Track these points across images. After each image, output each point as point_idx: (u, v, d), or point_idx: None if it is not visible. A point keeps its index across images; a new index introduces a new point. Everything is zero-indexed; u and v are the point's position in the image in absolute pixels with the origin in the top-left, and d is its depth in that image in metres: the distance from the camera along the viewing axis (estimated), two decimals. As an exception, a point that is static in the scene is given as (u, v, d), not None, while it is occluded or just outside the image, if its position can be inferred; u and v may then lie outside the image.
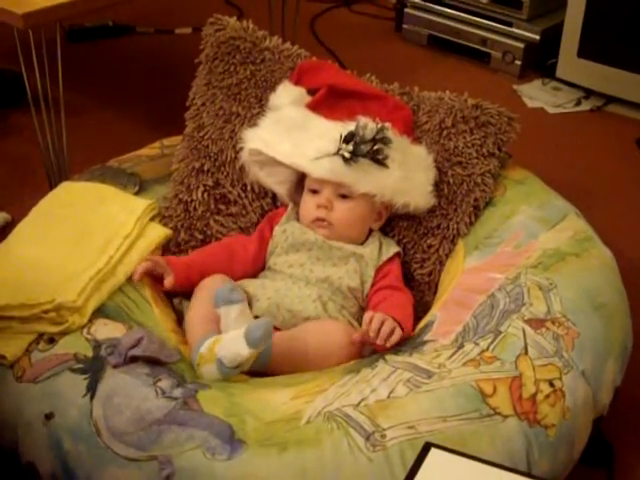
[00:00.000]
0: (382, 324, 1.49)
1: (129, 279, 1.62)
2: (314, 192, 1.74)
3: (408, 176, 1.72)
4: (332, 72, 1.91)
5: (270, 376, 1.50)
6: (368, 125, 1.69)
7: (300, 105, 1.81)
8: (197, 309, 1.58)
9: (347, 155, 1.66)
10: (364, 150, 1.67)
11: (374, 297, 1.67)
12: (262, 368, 1.49)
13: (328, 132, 1.71)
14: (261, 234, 1.77)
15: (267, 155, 1.77)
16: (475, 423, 1.33)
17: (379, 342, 1.48)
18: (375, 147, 1.67)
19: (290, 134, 1.76)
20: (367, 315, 1.52)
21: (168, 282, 1.63)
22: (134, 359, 1.40)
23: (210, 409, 1.33)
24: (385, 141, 1.68)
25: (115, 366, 1.39)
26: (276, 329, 1.57)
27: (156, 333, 1.50)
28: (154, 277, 1.65)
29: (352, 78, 1.92)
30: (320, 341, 1.52)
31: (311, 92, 1.84)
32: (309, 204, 1.74)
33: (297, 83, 1.86)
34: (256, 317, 1.58)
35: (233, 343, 1.41)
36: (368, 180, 1.69)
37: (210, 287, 1.58)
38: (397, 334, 1.49)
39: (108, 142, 2.47)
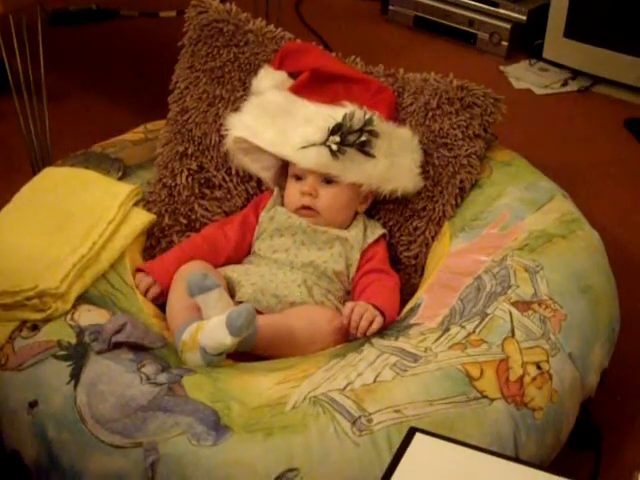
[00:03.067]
0: (361, 316, 1.48)
1: (113, 265, 1.61)
2: (298, 178, 1.72)
3: (394, 162, 1.71)
4: (315, 55, 1.89)
5: (255, 356, 1.49)
6: (355, 114, 1.67)
7: (283, 89, 1.79)
8: (177, 296, 1.56)
9: (334, 147, 1.65)
10: (351, 140, 1.66)
11: (360, 282, 1.66)
12: (248, 349, 1.48)
13: (314, 117, 1.70)
14: (245, 220, 1.75)
15: (252, 143, 1.75)
16: (462, 406, 1.32)
17: (359, 335, 1.47)
18: (362, 138, 1.66)
19: (274, 120, 1.74)
20: (348, 306, 1.51)
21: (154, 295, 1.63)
22: (118, 345, 1.39)
23: (195, 395, 1.32)
24: (373, 133, 1.67)
25: (99, 352, 1.38)
26: (261, 314, 1.56)
27: (140, 319, 1.49)
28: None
29: (335, 61, 1.90)
30: (305, 326, 1.51)
31: (293, 75, 1.83)
32: (293, 191, 1.72)
33: (280, 66, 1.84)
34: (240, 302, 1.56)
35: (215, 331, 1.40)
36: (355, 170, 1.68)
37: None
38: (377, 323, 1.48)
39: (91, 127, 2.45)
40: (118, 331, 1.39)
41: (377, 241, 1.72)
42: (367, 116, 1.67)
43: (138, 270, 1.65)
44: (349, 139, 1.66)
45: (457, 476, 1.00)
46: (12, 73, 2.09)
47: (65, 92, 2.69)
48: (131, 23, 3.26)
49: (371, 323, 1.48)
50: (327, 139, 1.66)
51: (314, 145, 1.67)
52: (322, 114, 1.69)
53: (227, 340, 1.39)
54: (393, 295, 1.62)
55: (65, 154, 1.91)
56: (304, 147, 1.67)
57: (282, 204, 1.75)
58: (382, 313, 1.50)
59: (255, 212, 1.77)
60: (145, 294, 1.61)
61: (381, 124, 1.70)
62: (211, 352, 1.41)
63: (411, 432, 1.04)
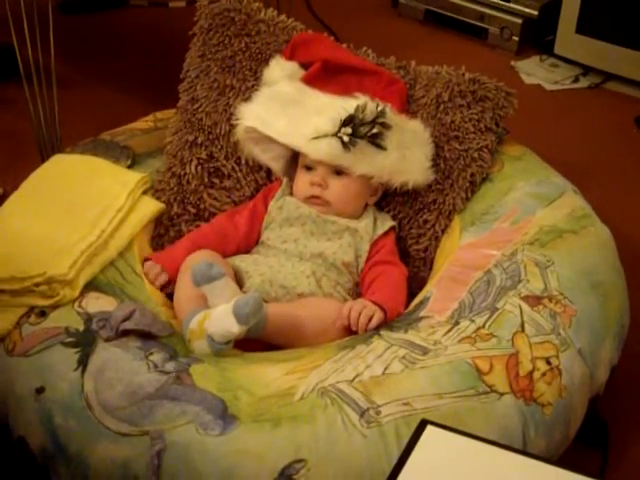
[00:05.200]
0: (360, 314, 1.47)
1: (121, 253, 1.60)
2: (308, 169, 1.72)
3: (406, 155, 1.70)
4: (327, 46, 1.88)
5: (263, 346, 1.49)
6: (367, 106, 1.66)
7: (294, 79, 1.78)
8: (184, 285, 1.55)
9: (346, 139, 1.64)
10: (362, 132, 1.65)
11: (367, 275, 1.65)
12: (256, 336, 1.47)
13: (326, 108, 1.69)
14: (254, 210, 1.75)
15: (263, 133, 1.75)
16: (471, 400, 1.31)
17: (360, 332, 1.47)
18: (374, 130, 1.65)
19: (286, 110, 1.73)
20: (346, 306, 1.50)
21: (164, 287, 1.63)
22: (126, 333, 1.39)
23: (203, 384, 1.32)
24: (385, 126, 1.66)
25: (107, 340, 1.38)
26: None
27: (148, 307, 1.49)
28: None
29: (347, 52, 1.90)
30: (314, 317, 1.51)
31: (304, 66, 1.82)
32: (303, 181, 1.72)
33: (291, 56, 1.83)
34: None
35: (223, 319, 1.40)
36: (365, 162, 1.67)
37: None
38: (377, 318, 1.47)
39: (101, 115, 2.44)
40: (126, 319, 1.39)
41: (387, 233, 1.71)
42: (379, 108, 1.66)
43: (146, 259, 1.64)
44: (361, 131, 1.65)
45: (468, 469, 0.99)
46: (22, 61, 2.08)
47: (74, 80, 2.69)
48: (140, 12, 3.24)
49: (371, 318, 1.47)
50: (339, 130, 1.65)
51: (325, 136, 1.66)
52: (334, 105, 1.69)
53: (234, 328, 1.39)
54: (398, 288, 1.61)
55: (74, 142, 1.90)
56: (315, 138, 1.67)
57: (291, 194, 1.75)
58: (382, 308, 1.49)
59: (264, 202, 1.76)
60: (153, 282, 1.61)
61: (393, 116, 1.69)
62: (218, 340, 1.40)
63: (422, 424, 1.03)
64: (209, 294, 1.48)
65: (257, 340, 1.49)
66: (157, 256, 1.66)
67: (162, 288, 1.62)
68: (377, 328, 1.47)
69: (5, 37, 2.09)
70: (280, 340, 1.49)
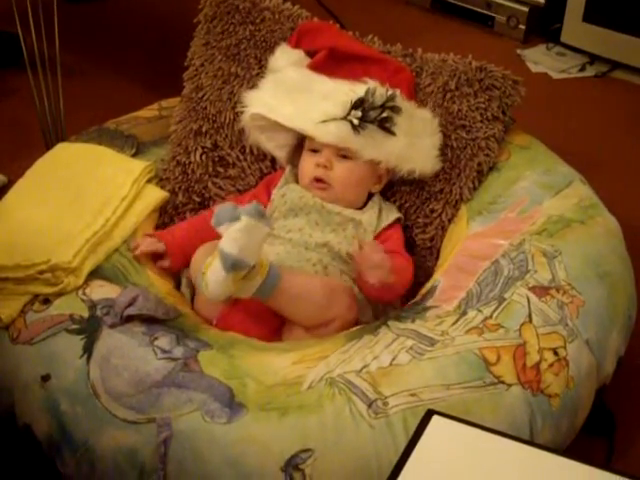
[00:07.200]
0: (374, 264, 1.48)
1: (125, 242, 1.60)
2: (314, 151, 1.71)
3: (414, 142, 1.69)
4: (333, 34, 1.87)
5: (277, 322, 1.51)
6: (377, 91, 1.66)
7: (300, 67, 1.78)
8: (199, 253, 1.54)
9: (356, 122, 1.63)
10: (372, 116, 1.64)
11: None
12: (266, 295, 1.46)
13: (333, 93, 1.68)
14: (255, 199, 1.73)
15: (270, 120, 1.74)
16: (478, 391, 1.31)
17: (367, 274, 1.48)
18: (384, 114, 1.64)
19: (292, 96, 1.72)
20: (370, 247, 1.51)
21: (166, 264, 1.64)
22: (130, 318, 1.38)
23: (210, 371, 1.31)
24: (395, 110, 1.65)
25: (111, 326, 1.37)
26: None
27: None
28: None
29: (353, 40, 1.88)
30: (322, 285, 1.51)
31: (310, 54, 1.81)
32: (308, 163, 1.70)
33: (297, 44, 1.82)
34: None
35: (231, 229, 1.38)
36: (374, 147, 1.66)
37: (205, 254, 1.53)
38: (381, 274, 1.47)
39: (105, 103, 2.43)
40: (130, 304, 1.38)
41: (392, 225, 1.70)
42: (389, 92, 1.66)
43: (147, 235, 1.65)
44: (370, 115, 1.64)
45: (475, 459, 0.98)
46: (27, 50, 2.08)
47: (79, 69, 2.68)
48: (145, 0, 3.23)
49: (379, 266, 1.47)
50: (348, 113, 1.64)
51: (334, 119, 1.65)
52: (342, 89, 1.68)
53: (241, 223, 1.36)
54: (402, 272, 1.59)
55: (79, 130, 1.90)
56: (324, 121, 1.65)
57: (295, 182, 1.73)
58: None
59: (267, 191, 1.75)
60: (144, 249, 1.61)
61: (403, 102, 1.69)
62: (228, 250, 1.36)
63: (428, 414, 1.02)
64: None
65: (272, 313, 1.50)
66: (159, 234, 1.67)
67: (156, 260, 1.63)
68: (383, 317, 1.48)
69: (11, 26, 2.09)
70: (288, 309, 1.49)
